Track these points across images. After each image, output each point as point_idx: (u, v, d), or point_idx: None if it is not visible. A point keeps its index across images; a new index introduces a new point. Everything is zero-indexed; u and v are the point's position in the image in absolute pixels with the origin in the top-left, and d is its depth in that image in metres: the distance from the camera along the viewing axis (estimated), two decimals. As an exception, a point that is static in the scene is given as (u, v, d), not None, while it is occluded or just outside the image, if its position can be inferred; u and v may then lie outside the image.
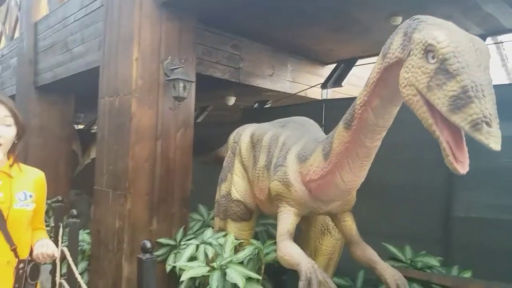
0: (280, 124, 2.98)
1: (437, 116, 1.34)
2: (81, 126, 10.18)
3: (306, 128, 2.70)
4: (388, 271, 2.36)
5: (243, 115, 5.18)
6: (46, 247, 1.74)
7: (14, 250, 1.63)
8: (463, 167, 1.32)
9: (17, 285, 1.64)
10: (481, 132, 1.18)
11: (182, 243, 3.34)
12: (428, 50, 1.34)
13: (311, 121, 2.90)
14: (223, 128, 4.58)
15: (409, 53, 1.43)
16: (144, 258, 1.91)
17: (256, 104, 6.24)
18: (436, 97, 1.29)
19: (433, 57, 1.32)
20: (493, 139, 1.17)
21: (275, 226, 3.74)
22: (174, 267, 3.39)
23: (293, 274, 3.42)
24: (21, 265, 1.65)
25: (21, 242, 1.66)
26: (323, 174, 2.11)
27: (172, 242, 3.59)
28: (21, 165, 1.74)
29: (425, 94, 1.33)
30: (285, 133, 2.70)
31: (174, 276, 3.60)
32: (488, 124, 1.18)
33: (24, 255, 1.69)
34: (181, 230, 3.71)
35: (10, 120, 1.61)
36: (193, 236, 3.62)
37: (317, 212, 2.53)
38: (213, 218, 3.97)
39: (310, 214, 2.59)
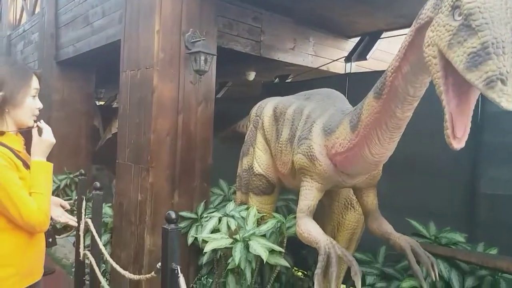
0: (304, 97, 2.92)
1: (450, 84, 1.29)
2: (102, 102, 10.27)
3: (332, 100, 2.62)
4: (401, 238, 2.35)
5: (263, 90, 5.11)
6: None
7: None
8: (458, 143, 1.29)
9: (50, 240, 1.81)
10: (494, 90, 1.11)
11: (205, 215, 3.35)
12: (456, 7, 1.27)
13: (337, 92, 2.82)
14: (243, 104, 4.54)
15: (438, 11, 1.36)
16: (169, 229, 1.91)
17: (277, 79, 6.14)
18: (456, 55, 1.22)
19: (459, 14, 1.25)
20: (505, 98, 1.09)
21: (295, 201, 3.75)
22: (195, 239, 3.43)
23: (313, 248, 3.43)
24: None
25: None
26: (350, 146, 2.06)
27: (193, 216, 3.61)
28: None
29: (446, 53, 1.26)
30: (310, 106, 2.64)
31: (195, 248, 3.65)
32: (503, 82, 1.10)
33: None
34: (202, 204, 3.73)
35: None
36: (214, 210, 3.64)
37: (341, 187, 2.49)
38: (234, 193, 3.98)
39: (333, 188, 2.55)
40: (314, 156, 2.32)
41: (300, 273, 4.18)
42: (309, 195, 2.35)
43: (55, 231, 1.86)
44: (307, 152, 2.36)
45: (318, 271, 2.00)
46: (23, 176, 1.54)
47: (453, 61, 1.23)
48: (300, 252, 3.81)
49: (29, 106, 1.63)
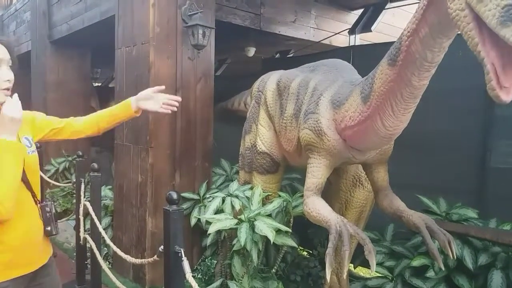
0: (309, 69, 2.76)
1: (485, 35, 1.15)
2: (98, 84, 10.09)
3: (339, 71, 2.47)
4: (414, 215, 2.25)
5: (264, 66, 4.94)
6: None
7: (34, 197, 1.61)
8: (507, 94, 1.11)
9: (48, 228, 1.64)
10: None
11: (208, 196, 3.25)
12: None
13: (345, 62, 2.66)
14: (243, 81, 4.40)
15: None
16: (171, 210, 1.81)
17: (278, 54, 5.97)
18: (487, 8, 1.07)
19: None
20: None
21: (299, 180, 3.66)
22: (198, 221, 3.35)
23: (318, 228, 3.35)
24: (47, 208, 1.65)
25: (37, 188, 1.64)
26: (362, 119, 1.93)
27: (195, 197, 3.52)
28: None
29: (475, 7, 1.12)
30: (316, 78, 2.49)
31: (198, 230, 3.57)
32: None
33: (39, 199, 1.66)
34: (205, 184, 3.63)
35: (11, 63, 1.52)
36: (217, 190, 3.55)
37: (351, 163, 2.37)
38: (236, 173, 3.89)
39: (342, 165, 2.43)
40: (322, 131, 2.19)
41: (305, 253, 4.12)
42: (317, 172, 2.23)
43: (56, 217, 1.71)
44: (314, 127, 2.23)
45: (329, 250, 1.90)
46: None
47: (484, 16, 1.09)
48: (305, 231, 3.73)
49: None
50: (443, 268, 2.24)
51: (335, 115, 2.14)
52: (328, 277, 1.89)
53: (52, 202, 1.70)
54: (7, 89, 1.48)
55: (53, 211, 1.67)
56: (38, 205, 1.63)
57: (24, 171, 1.53)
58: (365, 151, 2.19)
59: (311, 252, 3.99)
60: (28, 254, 1.55)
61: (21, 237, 1.51)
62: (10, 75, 1.49)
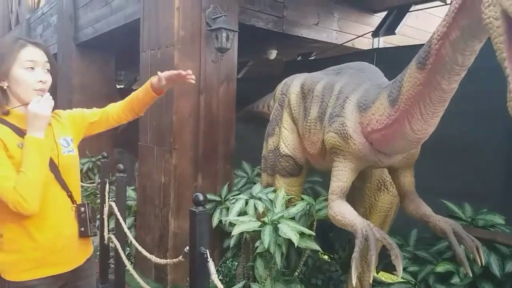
0: (334, 72, 2.75)
1: None
2: (121, 86, 10.24)
3: (366, 74, 2.44)
4: (442, 220, 2.22)
5: (286, 69, 4.93)
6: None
7: (71, 197, 1.62)
8: None
9: (82, 229, 1.64)
10: None
11: (231, 197, 3.26)
12: None
13: (371, 65, 2.63)
14: (265, 84, 4.41)
15: None
16: (197, 211, 1.82)
17: (300, 57, 5.96)
18: None
19: None
20: None
21: (321, 183, 3.64)
22: (220, 222, 3.36)
23: (340, 232, 3.32)
24: (82, 209, 1.64)
25: (74, 188, 1.65)
26: (389, 122, 1.91)
27: (217, 198, 3.54)
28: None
29: (511, 13, 1.08)
30: (341, 81, 2.48)
31: (220, 231, 3.58)
32: None
33: (78, 200, 1.67)
34: (226, 186, 3.65)
35: (49, 66, 1.55)
36: (238, 192, 3.56)
37: (377, 167, 2.35)
38: (257, 175, 3.89)
39: (368, 169, 2.41)
40: (348, 134, 2.17)
41: (326, 257, 4.09)
42: (342, 176, 2.22)
43: (93, 219, 1.70)
44: (340, 130, 2.22)
45: (355, 254, 1.88)
46: (12, 154, 1.43)
47: None
48: (326, 235, 3.70)
49: (24, 79, 1.47)
50: (470, 274, 2.19)
51: (362, 118, 2.13)
52: (354, 281, 1.88)
53: (89, 203, 1.69)
54: (41, 90, 1.50)
55: (89, 212, 1.66)
56: (74, 205, 1.63)
57: (58, 170, 1.56)
58: (392, 155, 2.17)
59: (332, 256, 3.96)
60: (60, 254, 1.55)
61: (54, 236, 1.52)
62: (44, 77, 1.52)
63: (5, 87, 1.48)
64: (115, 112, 1.89)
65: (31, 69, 1.49)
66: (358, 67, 2.58)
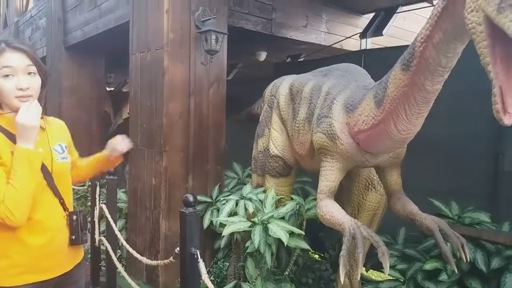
0: (322, 73, 2.79)
1: (498, 55, 1.14)
2: (111, 88, 10.20)
3: (352, 75, 2.49)
4: (428, 218, 2.27)
5: (275, 71, 4.97)
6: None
7: (63, 204, 1.60)
8: (510, 119, 1.12)
9: (73, 237, 1.62)
10: None
11: (222, 198, 3.28)
12: None
13: (357, 67, 2.68)
14: (255, 85, 4.43)
15: None
16: (187, 212, 1.85)
17: (289, 59, 6.00)
18: (508, 19, 1.06)
19: None
20: None
21: (310, 183, 3.68)
22: (211, 223, 3.38)
23: (330, 231, 3.36)
24: (74, 217, 1.63)
25: (66, 195, 1.63)
26: (375, 123, 1.95)
27: (208, 199, 3.56)
28: (44, 116, 1.63)
29: (494, 18, 1.11)
30: (329, 82, 2.52)
31: (211, 232, 3.60)
32: None
33: (70, 207, 1.66)
34: (217, 187, 3.67)
35: (34, 69, 1.49)
36: (229, 193, 3.58)
37: (364, 166, 2.39)
38: (248, 176, 3.92)
39: (355, 168, 2.45)
40: (335, 135, 2.21)
41: (316, 256, 4.13)
42: (330, 175, 2.26)
43: (85, 226, 1.69)
44: (327, 131, 2.26)
45: (343, 252, 1.92)
46: (4, 162, 1.40)
47: (505, 27, 1.07)
48: (316, 234, 3.74)
49: (3, 88, 1.43)
50: (456, 271, 2.24)
51: (348, 119, 2.17)
52: (342, 279, 1.91)
53: (81, 211, 1.67)
54: (22, 96, 1.45)
55: (81, 219, 1.64)
56: (66, 212, 1.61)
57: (51, 177, 1.54)
58: (378, 155, 2.21)
59: (322, 255, 4.00)
60: (50, 260, 1.53)
61: (44, 242, 1.50)
62: (25, 83, 1.45)
63: None
64: (82, 166, 1.88)
65: (9, 76, 1.43)
66: (345, 69, 2.62)
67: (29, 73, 1.48)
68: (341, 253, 1.92)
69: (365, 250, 2.80)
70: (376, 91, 1.95)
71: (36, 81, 1.50)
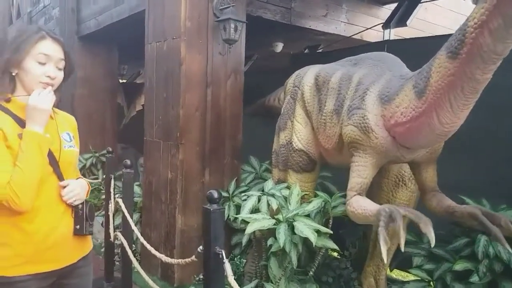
0: (351, 63, 2.63)
1: None
2: (124, 80, 10.13)
3: (386, 65, 2.32)
4: (468, 208, 2.16)
5: (292, 62, 4.83)
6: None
7: None
8: None
9: (78, 227, 1.58)
10: None
11: (241, 194, 3.17)
12: None
13: (392, 56, 2.50)
14: (271, 77, 4.30)
15: None
16: (211, 209, 1.73)
17: (307, 50, 5.84)
18: None
19: None
20: None
21: (330, 179, 3.54)
22: (228, 218, 3.28)
23: (350, 227, 3.24)
24: (80, 206, 1.59)
25: None
26: (415, 115, 1.81)
27: (225, 194, 3.46)
28: (54, 108, 1.64)
29: None
30: (360, 72, 2.37)
31: (227, 228, 3.48)
32: None
33: None
34: (234, 182, 3.57)
35: (63, 64, 1.54)
36: (246, 188, 3.47)
37: (398, 162, 2.25)
38: (265, 171, 3.80)
39: (388, 164, 2.31)
40: (369, 128, 2.07)
41: (336, 253, 4.01)
42: (362, 171, 2.12)
43: (91, 217, 1.63)
44: (360, 124, 2.12)
45: (381, 228, 1.77)
46: (10, 145, 1.39)
47: None
48: (337, 232, 3.61)
49: (33, 71, 1.46)
50: (509, 249, 2.09)
51: (384, 110, 2.03)
52: (384, 255, 1.74)
53: (88, 201, 1.63)
54: (47, 84, 1.48)
55: (87, 210, 1.60)
56: None
57: (58, 164, 1.51)
58: (415, 150, 2.07)
59: (342, 253, 3.88)
60: (53, 250, 1.49)
61: (46, 231, 1.46)
62: (54, 73, 1.50)
63: (13, 74, 1.47)
64: None
65: (42, 63, 1.48)
66: (377, 57, 2.46)
67: (59, 67, 1.53)
68: (379, 228, 1.77)
69: (392, 250, 2.69)
70: (416, 81, 1.81)
71: (61, 76, 1.55)
